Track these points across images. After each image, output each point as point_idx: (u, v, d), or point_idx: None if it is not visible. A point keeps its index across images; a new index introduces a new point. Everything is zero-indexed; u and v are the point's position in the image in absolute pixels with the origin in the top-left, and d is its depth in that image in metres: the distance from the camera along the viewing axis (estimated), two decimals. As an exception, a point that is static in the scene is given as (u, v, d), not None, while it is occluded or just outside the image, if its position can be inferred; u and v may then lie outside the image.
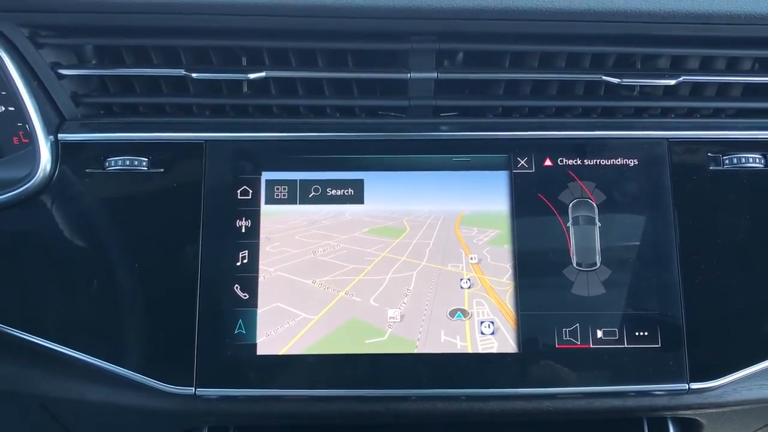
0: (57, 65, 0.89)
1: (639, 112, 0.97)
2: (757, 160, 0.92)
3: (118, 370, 0.86)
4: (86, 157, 0.90)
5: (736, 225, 0.90)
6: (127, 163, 0.90)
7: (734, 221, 0.91)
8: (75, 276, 0.88)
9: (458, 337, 0.87)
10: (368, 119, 0.96)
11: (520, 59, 0.93)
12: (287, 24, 0.86)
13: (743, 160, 0.92)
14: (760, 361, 0.88)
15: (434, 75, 0.91)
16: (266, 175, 0.90)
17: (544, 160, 0.91)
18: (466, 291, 0.88)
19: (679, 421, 0.98)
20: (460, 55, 0.95)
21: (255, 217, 0.89)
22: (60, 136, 0.90)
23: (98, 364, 0.86)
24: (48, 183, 0.89)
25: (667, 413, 0.95)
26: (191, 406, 0.88)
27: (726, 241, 0.90)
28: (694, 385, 0.86)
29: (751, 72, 0.96)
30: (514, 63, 0.93)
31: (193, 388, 0.85)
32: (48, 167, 0.89)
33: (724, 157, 0.92)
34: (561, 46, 0.90)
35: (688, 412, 0.93)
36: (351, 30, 0.87)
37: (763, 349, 0.88)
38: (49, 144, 0.89)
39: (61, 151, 0.90)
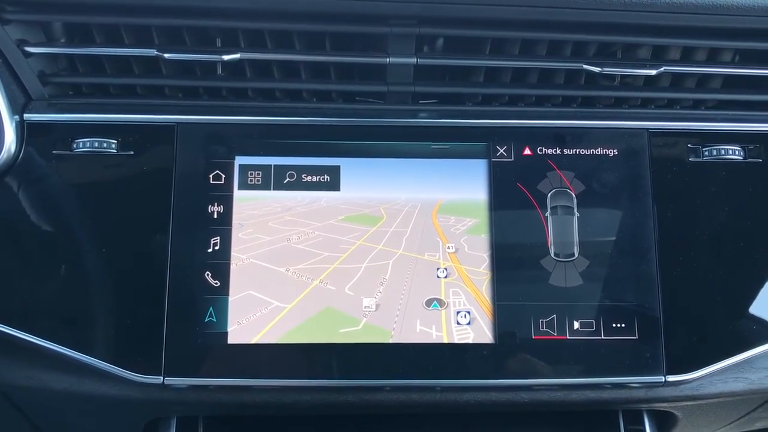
0: (23, 42, 0.86)
1: (619, 102, 0.96)
2: (737, 152, 0.92)
3: (83, 358, 0.83)
4: (53, 138, 0.87)
5: (714, 217, 0.90)
6: (96, 144, 0.87)
7: (713, 213, 0.90)
8: (40, 260, 0.85)
9: (434, 327, 0.86)
10: (345, 104, 0.94)
11: (501, 46, 0.92)
12: (264, 4, 0.84)
13: (723, 152, 0.92)
14: (735, 354, 0.87)
15: (413, 60, 0.89)
16: (240, 160, 0.88)
17: (524, 149, 0.90)
18: (443, 280, 0.87)
19: (654, 414, 0.97)
20: (440, 41, 0.93)
21: (227, 202, 0.87)
22: (26, 116, 0.87)
23: (62, 351, 0.83)
24: (12, 164, 0.86)
25: (643, 405, 0.95)
26: (159, 396, 0.86)
27: (704, 233, 0.90)
28: (671, 378, 0.86)
29: (731, 64, 0.96)
30: (494, 50, 0.92)
31: (161, 377, 0.83)
32: (12, 148, 0.86)
33: (704, 149, 0.92)
34: (542, 34, 0.89)
35: (664, 404, 0.93)
36: (329, 12, 0.85)
37: (739, 342, 0.88)
38: (14, 124, 0.86)
39: (26, 131, 0.87)
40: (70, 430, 1.01)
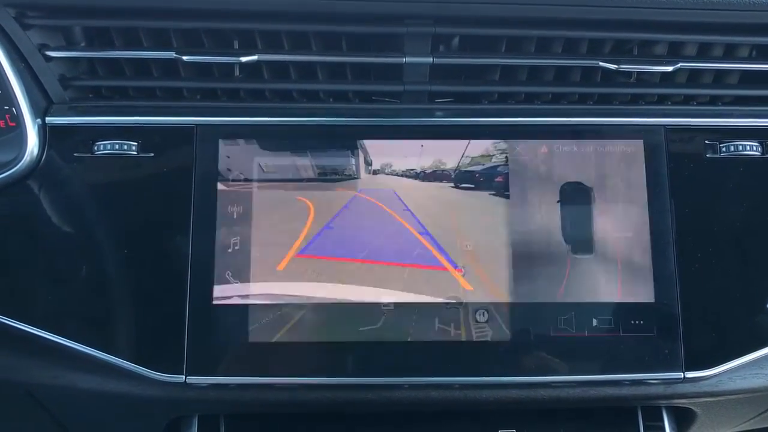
0: (44, 47, 0.87)
1: (636, 99, 0.96)
2: (754, 148, 0.91)
3: (107, 358, 0.85)
4: (74, 141, 0.88)
5: (732, 213, 0.90)
6: (117, 147, 0.88)
7: (730, 209, 0.90)
8: (63, 262, 0.87)
9: (452, 324, 0.86)
10: (362, 104, 0.94)
11: (517, 44, 0.92)
12: (280, 6, 0.84)
13: (740, 147, 0.91)
14: (755, 350, 0.87)
15: (429, 60, 0.90)
16: (258, 160, 0.89)
17: (540, 147, 0.90)
18: (461, 278, 0.87)
19: (673, 410, 0.97)
20: (456, 40, 0.94)
21: (247, 202, 0.88)
22: (48, 119, 0.88)
23: (87, 351, 0.85)
24: (35, 167, 0.88)
25: (662, 402, 0.95)
26: (181, 394, 0.87)
27: (722, 229, 0.89)
28: (690, 374, 0.86)
29: (748, 59, 0.95)
30: (510, 48, 0.92)
31: (184, 376, 0.84)
32: (35, 151, 0.87)
33: (721, 145, 0.92)
34: (558, 31, 0.89)
35: (683, 400, 0.93)
36: (345, 13, 0.85)
37: (758, 338, 0.88)
38: (36, 127, 0.88)
39: (48, 134, 0.88)
40: (94, 428, 1.03)
